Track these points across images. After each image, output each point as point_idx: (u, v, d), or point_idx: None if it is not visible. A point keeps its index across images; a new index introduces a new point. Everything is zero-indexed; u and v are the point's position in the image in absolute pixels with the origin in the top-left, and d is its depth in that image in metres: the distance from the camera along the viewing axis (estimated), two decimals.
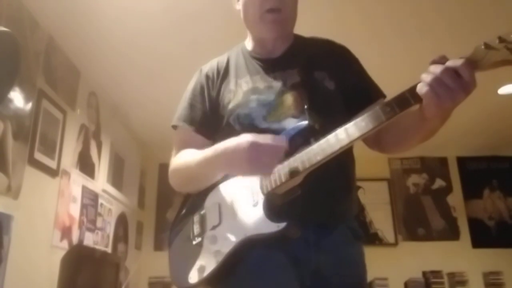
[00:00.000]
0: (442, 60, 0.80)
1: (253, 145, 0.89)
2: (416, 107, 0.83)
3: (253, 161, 0.88)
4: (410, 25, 2.50)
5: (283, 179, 0.92)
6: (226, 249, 0.95)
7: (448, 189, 4.61)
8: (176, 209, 1.18)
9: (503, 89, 3.30)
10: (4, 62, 1.97)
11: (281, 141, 0.90)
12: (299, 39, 1.21)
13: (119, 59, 2.76)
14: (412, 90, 0.82)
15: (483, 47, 0.77)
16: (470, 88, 0.77)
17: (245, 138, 0.91)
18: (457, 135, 4.07)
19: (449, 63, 0.78)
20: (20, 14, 2.14)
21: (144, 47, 2.65)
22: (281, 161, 0.92)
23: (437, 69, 0.78)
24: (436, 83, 0.78)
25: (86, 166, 2.90)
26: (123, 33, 2.50)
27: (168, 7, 2.30)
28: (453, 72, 0.77)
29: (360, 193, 4.44)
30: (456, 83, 0.77)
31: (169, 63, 2.75)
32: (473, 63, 0.78)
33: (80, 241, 2.73)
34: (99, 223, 3.07)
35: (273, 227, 0.90)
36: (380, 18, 2.43)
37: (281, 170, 0.92)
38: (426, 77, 0.79)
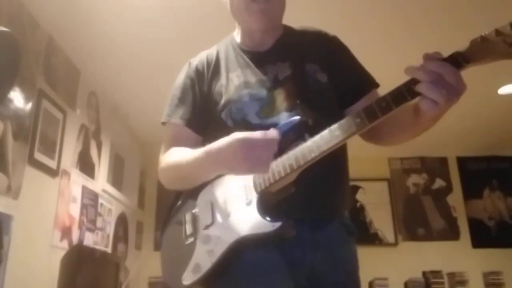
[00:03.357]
0: (435, 56, 0.79)
1: (246, 142, 0.86)
2: (411, 102, 0.81)
3: (249, 159, 0.85)
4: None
5: (277, 177, 0.90)
6: (220, 249, 0.93)
7: (448, 189, 4.61)
8: (167, 207, 1.15)
9: (503, 89, 3.30)
10: (4, 62, 1.97)
11: (273, 134, 0.88)
12: (288, 30, 1.19)
13: (119, 59, 2.76)
14: (408, 85, 0.80)
15: (479, 40, 0.76)
16: (463, 90, 0.76)
17: (235, 137, 0.88)
18: (457, 135, 4.07)
19: (434, 69, 0.76)
20: (20, 14, 2.14)
21: (144, 47, 2.65)
22: (275, 154, 0.89)
23: (434, 66, 0.76)
24: (441, 96, 0.76)
25: (86, 166, 2.90)
26: (123, 33, 2.50)
27: (169, 6, 2.30)
28: (449, 83, 0.75)
29: (360, 193, 4.45)
30: (453, 92, 0.76)
31: (170, 63, 2.74)
32: (471, 57, 0.76)
33: (80, 241, 2.73)
34: (99, 223, 3.07)
35: (268, 226, 0.88)
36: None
37: (275, 168, 0.90)
38: (431, 93, 0.77)
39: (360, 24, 2.49)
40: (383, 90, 0.88)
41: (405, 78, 0.82)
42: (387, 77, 1.21)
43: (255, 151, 0.85)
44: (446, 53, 0.79)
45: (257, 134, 0.87)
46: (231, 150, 0.87)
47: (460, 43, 0.78)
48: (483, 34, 0.75)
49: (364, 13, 2.41)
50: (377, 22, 2.49)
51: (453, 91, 0.76)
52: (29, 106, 2.19)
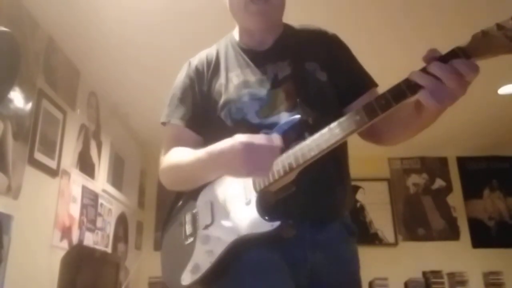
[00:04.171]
0: (433, 54, 0.77)
1: (248, 147, 0.85)
2: (411, 99, 0.80)
3: (250, 163, 0.85)
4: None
5: (277, 176, 0.90)
6: (219, 249, 0.92)
7: (448, 189, 4.61)
8: (168, 207, 1.14)
9: (503, 89, 3.30)
10: (4, 62, 1.97)
11: (276, 140, 0.88)
12: (288, 29, 1.18)
13: (119, 59, 2.76)
14: (408, 82, 0.79)
15: (481, 35, 0.75)
16: (468, 84, 0.76)
17: (239, 139, 0.87)
18: (457, 135, 4.07)
19: (456, 66, 0.74)
20: (20, 14, 2.14)
21: (144, 47, 2.65)
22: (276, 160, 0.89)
23: (436, 71, 0.75)
24: (437, 87, 0.75)
25: (86, 166, 2.90)
26: (123, 33, 2.50)
27: (169, 6, 2.30)
28: (455, 73, 0.74)
29: (360, 193, 4.45)
30: (457, 84, 0.74)
31: (170, 63, 2.74)
32: (473, 52, 0.75)
33: (80, 241, 2.73)
34: (99, 223, 3.07)
35: (267, 226, 0.87)
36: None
37: (275, 167, 0.90)
38: (425, 81, 0.76)
39: (366, 21, 2.48)
40: (388, 83, 0.85)
41: (409, 71, 0.80)
42: (393, 73, 1.20)
43: (257, 156, 0.85)
44: (451, 47, 0.78)
45: (260, 139, 0.87)
46: (233, 153, 0.87)
47: (464, 37, 0.77)
48: (484, 29, 0.74)
49: (370, 10, 2.40)
50: (383, 19, 2.47)
51: (458, 85, 0.74)
52: (29, 106, 2.19)
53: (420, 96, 0.77)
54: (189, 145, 1.08)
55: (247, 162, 0.85)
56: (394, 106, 0.80)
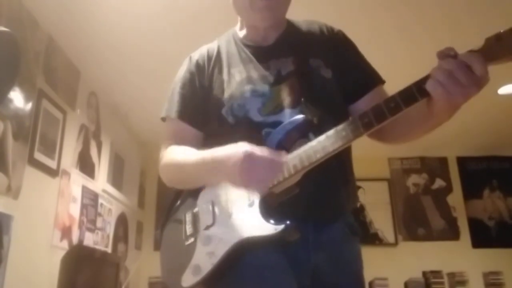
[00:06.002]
0: (449, 52, 0.76)
1: (251, 157, 0.84)
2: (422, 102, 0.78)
3: (247, 175, 0.84)
4: (411, 20, 2.48)
5: (281, 178, 0.89)
6: (221, 251, 0.91)
7: (448, 189, 4.61)
8: (167, 205, 1.13)
9: (503, 89, 3.30)
10: (4, 62, 1.97)
11: (282, 157, 0.85)
12: (292, 25, 1.16)
13: (119, 59, 2.76)
14: (419, 85, 0.77)
15: (494, 39, 0.73)
16: (484, 82, 0.74)
17: (243, 147, 0.86)
18: (457, 135, 4.06)
19: (463, 58, 0.73)
20: (20, 14, 2.14)
21: (144, 47, 2.65)
22: (277, 177, 0.87)
23: (449, 65, 0.73)
24: (450, 80, 0.73)
25: (86, 166, 2.90)
26: (123, 33, 2.50)
27: (168, 6, 2.30)
28: (467, 68, 0.72)
29: (360, 193, 4.44)
30: (470, 80, 0.73)
31: (169, 62, 2.73)
32: (486, 56, 0.73)
33: (80, 241, 2.73)
34: (99, 223, 3.07)
35: (271, 229, 0.86)
36: (380, 13, 2.42)
37: None
38: (438, 74, 0.74)
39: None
40: (398, 84, 0.84)
41: (419, 72, 0.79)
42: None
43: (257, 169, 0.84)
44: (462, 49, 0.77)
45: (265, 152, 0.85)
46: (233, 161, 0.85)
47: (476, 38, 0.76)
48: (498, 33, 0.73)
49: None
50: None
51: (471, 81, 0.73)
52: (29, 106, 2.19)
53: (429, 86, 0.75)
54: (188, 140, 1.07)
55: (245, 173, 0.84)
56: (403, 110, 0.78)
